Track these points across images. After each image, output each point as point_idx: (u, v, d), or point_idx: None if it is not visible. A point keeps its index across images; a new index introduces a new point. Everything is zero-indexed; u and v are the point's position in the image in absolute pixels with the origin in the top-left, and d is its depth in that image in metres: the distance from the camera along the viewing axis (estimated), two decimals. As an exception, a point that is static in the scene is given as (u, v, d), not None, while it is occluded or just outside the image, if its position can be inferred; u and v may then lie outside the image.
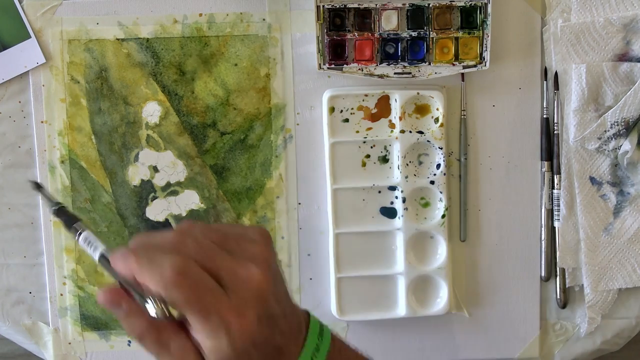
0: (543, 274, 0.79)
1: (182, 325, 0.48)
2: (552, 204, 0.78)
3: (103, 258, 0.50)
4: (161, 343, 0.48)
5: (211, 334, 0.46)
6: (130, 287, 0.48)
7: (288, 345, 0.50)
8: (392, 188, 0.77)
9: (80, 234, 0.52)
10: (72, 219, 0.53)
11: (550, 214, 0.78)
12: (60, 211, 0.53)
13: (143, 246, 0.48)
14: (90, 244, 0.51)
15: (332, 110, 0.76)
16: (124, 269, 0.48)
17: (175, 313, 0.47)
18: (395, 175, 0.77)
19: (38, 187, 0.57)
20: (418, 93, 0.75)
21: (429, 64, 0.75)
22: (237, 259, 0.48)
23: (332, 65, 0.75)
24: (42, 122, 0.77)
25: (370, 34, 0.74)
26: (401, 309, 0.78)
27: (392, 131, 0.76)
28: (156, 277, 0.46)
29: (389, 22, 0.74)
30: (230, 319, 0.46)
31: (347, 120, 0.76)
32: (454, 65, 0.75)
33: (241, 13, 0.76)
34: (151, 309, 0.46)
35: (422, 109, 0.76)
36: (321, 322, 0.54)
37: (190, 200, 0.78)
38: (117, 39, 0.76)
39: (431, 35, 0.74)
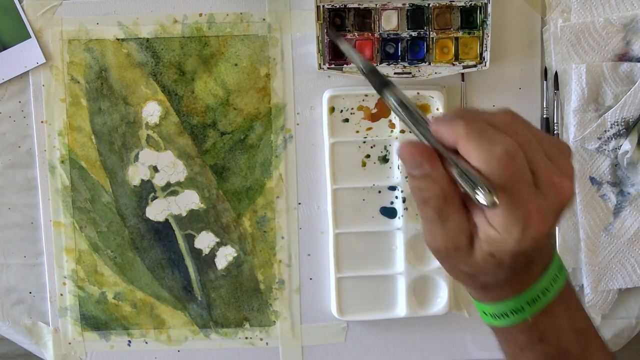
0: (543, 274, 0.79)
1: (466, 208, 0.46)
2: (552, 204, 0.78)
3: (419, 120, 0.47)
4: (441, 214, 0.46)
5: (506, 225, 0.44)
6: (446, 153, 0.45)
7: (538, 261, 0.49)
8: (392, 188, 0.77)
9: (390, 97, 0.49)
10: (383, 83, 0.50)
11: (550, 214, 0.78)
12: (372, 73, 0.52)
13: (473, 117, 0.46)
14: (402, 107, 0.48)
15: (332, 110, 0.76)
16: (448, 134, 0.45)
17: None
18: (395, 175, 0.77)
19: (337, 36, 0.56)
20: (418, 93, 0.75)
21: (429, 64, 0.75)
22: (555, 167, 0.46)
23: (332, 65, 0.75)
24: (42, 122, 0.77)
25: (370, 34, 0.74)
26: (401, 309, 0.78)
27: (392, 131, 0.76)
28: (484, 153, 0.44)
29: (389, 22, 0.74)
30: (534, 219, 0.44)
31: (347, 120, 0.76)
32: (454, 65, 0.75)
33: (241, 13, 0.76)
34: (481, 196, 0.43)
35: (422, 109, 0.76)
36: (560, 258, 0.53)
37: (190, 200, 0.78)
38: (117, 39, 0.76)
39: (431, 35, 0.74)
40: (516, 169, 0.44)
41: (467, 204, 0.46)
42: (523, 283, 0.48)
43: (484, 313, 0.51)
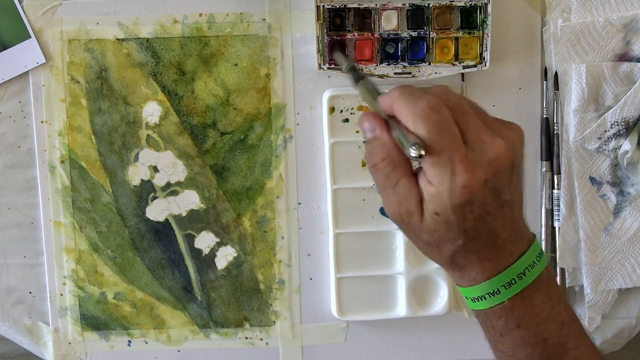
0: (543, 274, 0.78)
1: (415, 175, 0.49)
2: (552, 204, 0.78)
3: (371, 93, 0.54)
4: (391, 178, 0.50)
5: (437, 176, 0.47)
6: (390, 120, 0.50)
7: (504, 239, 0.50)
8: (392, 188, 0.77)
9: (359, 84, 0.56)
10: (359, 77, 0.56)
11: (550, 214, 0.78)
12: (352, 69, 0.58)
13: (409, 86, 0.50)
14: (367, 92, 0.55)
15: (332, 110, 0.76)
16: (385, 102, 0.50)
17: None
18: (395, 175, 0.77)
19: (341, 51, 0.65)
20: (418, 93, 0.75)
21: (429, 64, 0.75)
22: (488, 129, 0.49)
23: (332, 65, 0.75)
24: (42, 122, 0.77)
25: (370, 34, 0.74)
26: (401, 309, 0.78)
27: (392, 131, 0.76)
28: (409, 107, 0.48)
29: (389, 22, 0.74)
30: (459, 166, 0.47)
31: (347, 120, 0.76)
32: (454, 65, 0.75)
33: (241, 13, 0.76)
34: (412, 149, 0.47)
35: (422, 109, 0.76)
36: (542, 249, 0.54)
37: (190, 200, 0.78)
38: (117, 39, 0.76)
39: (431, 35, 0.74)
40: (439, 120, 0.47)
41: (416, 172, 0.49)
42: (495, 265, 0.50)
43: (466, 298, 0.52)
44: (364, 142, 0.52)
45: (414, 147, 0.47)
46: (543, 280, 0.51)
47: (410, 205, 0.49)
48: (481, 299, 0.51)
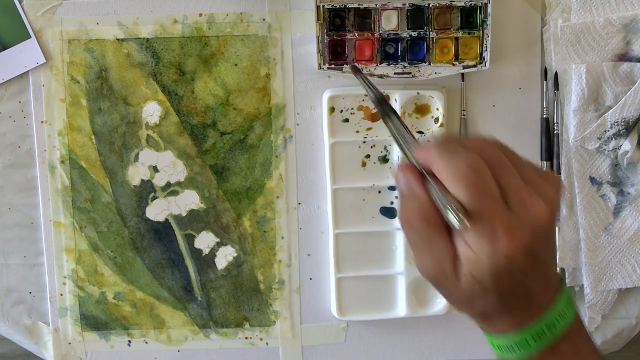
0: (543, 274, 0.78)
1: (449, 232, 0.47)
2: (552, 204, 0.78)
3: (403, 137, 0.51)
4: (426, 237, 0.47)
5: (477, 242, 0.45)
6: (430, 178, 0.48)
7: (539, 295, 0.48)
8: (392, 188, 0.77)
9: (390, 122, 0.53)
10: (388, 111, 0.53)
11: (550, 214, 0.78)
12: (381, 101, 0.54)
13: (447, 139, 0.48)
14: (400, 136, 0.52)
15: (332, 110, 0.76)
16: (424, 155, 0.48)
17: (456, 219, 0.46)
18: (395, 175, 0.77)
19: (356, 70, 0.61)
20: (418, 93, 0.75)
21: (429, 64, 0.75)
22: (529, 188, 0.47)
23: (332, 65, 0.75)
24: (42, 122, 0.77)
25: (370, 34, 0.74)
26: (401, 309, 0.78)
27: (392, 131, 0.76)
28: (449, 167, 0.46)
29: (389, 22, 0.74)
30: (500, 232, 0.45)
31: (347, 120, 0.76)
32: (454, 65, 0.75)
33: (241, 13, 0.76)
34: (452, 215, 0.45)
35: (422, 109, 0.76)
36: (571, 294, 0.52)
37: (190, 200, 0.78)
38: (117, 39, 0.76)
39: (431, 35, 0.74)
40: (481, 183, 0.45)
41: (451, 228, 0.47)
42: (524, 315, 0.48)
43: (493, 345, 0.51)
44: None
45: (454, 213, 0.45)
46: (574, 331, 0.49)
47: (446, 265, 0.47)
48: (510, 350, 0.49)
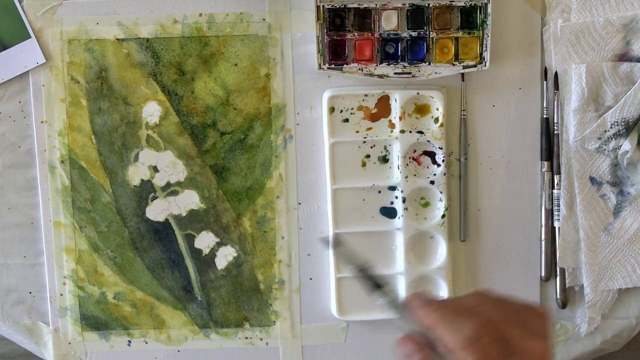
0: (543, 274, 0.79)
1: None
2: (552, 204, 0.78)
3: (401, 313, 0.57)
4: None
5: None
6: (433, 340, 0.53)
7: None
8: (392, 188, 0.77)
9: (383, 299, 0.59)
10: (376, 284, 0.59)
11: (550, 214, 0.78)
12: (365, 273, 0.60)
13: (445, 303, 0.55)
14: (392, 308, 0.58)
15: (332, 110, 0.76)
16: (425, 319, 0.53)
17: None
18: (395, 175, 0.77)
19: (337, 244, 0.67)
20: (418, 93, 0.75)
21: (429, 64, 0.75)
22: (524, 331, 0.53)
23: (332, 65, 0.75)
24: (42, 122, 0.77)
25: (370, 34, 0.74)
26: (401, 309, 0.78)
27: (392, 131, 0.76)
28: (454, 335, 0.51)
29: (389, 22, 0.74)
30: None
31: (347, 120, 0.76)
32: (454, 65, 0.75)
33: (241, 13, 0.76)
34: None
35: (422, 109, 0.76)
36: None
37: (190, 200, 0.78)
38: (117, 39, 0.76)
39: (431, 35, 0.74)
40: (484, 348, 0.51)
41: None
42: None
43: None
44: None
45: None
46: None
47: None
48: None
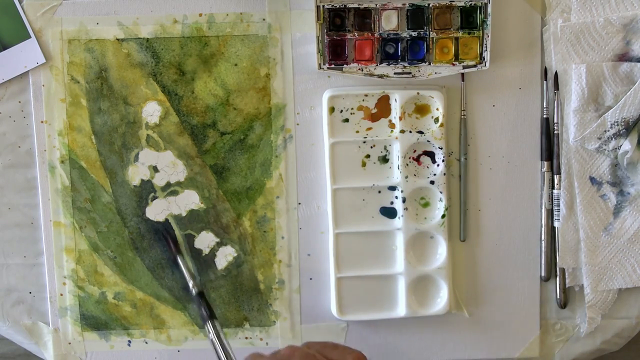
0: (543, 274, 0.79)
1: None
2: (552, 204, 0.78)
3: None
4: None
5: None
6: None
7: None
8: (392, 188, 0.77)
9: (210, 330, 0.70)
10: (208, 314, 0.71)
11: (550, 214, 0.78)
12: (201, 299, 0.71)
13: (258, 356, 0.63)
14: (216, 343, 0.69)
15: (332, 110, 0.76)
16: None
17: None
18: (395, 175, 0.77)
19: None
20: (418, 93, 0.75)
21: (429, 64, 0.75)
22: (342, 352, 0.63)
23: (332, 65, 0.75)
24: (42, 122, 0.77)
25: (370, 34, 0.74)
26: (401, 309, 0.78)
27: (392, 131, 0.76)
28: None
29: (389, 22, 0.74)
30: None
31: (347, 120, 0.76)
32: (454, 65, 0.75)
33: (241, 13, 0.76)
34: None
35: (422, 109, 0.76)
36: None
37: (190, 200, 0.78)
38: (117, 39, 0.76)
39: (431, 35, 0.74)
40: None
41: None
42: None
43: None
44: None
45: None
46: None
47: None
48: None
